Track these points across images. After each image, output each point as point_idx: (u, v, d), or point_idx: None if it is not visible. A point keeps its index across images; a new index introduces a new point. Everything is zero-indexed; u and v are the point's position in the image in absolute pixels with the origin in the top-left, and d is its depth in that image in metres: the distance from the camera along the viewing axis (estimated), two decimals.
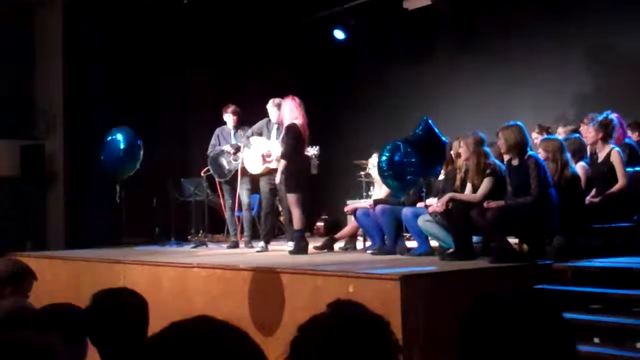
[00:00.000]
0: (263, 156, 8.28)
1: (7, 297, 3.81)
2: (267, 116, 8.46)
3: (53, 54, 10.89)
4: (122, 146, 7.48)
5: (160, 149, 10.51)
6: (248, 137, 8.51)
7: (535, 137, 7.73)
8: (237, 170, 8.67)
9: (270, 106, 8.29)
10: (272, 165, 8.16)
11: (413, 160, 6.54)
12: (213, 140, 8.97)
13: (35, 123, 11.00)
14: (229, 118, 8.90)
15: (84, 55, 10.72)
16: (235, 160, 8.71)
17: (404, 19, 11.29)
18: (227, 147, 8.74)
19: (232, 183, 8.80)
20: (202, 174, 9.40)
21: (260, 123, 8.52)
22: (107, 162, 7.59)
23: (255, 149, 8.39)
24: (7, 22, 10.76)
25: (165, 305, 5.68)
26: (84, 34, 10.74)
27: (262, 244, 8.18)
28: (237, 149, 8.67)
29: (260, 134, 8.44)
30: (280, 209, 9.01)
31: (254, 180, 8.63)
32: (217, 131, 9.02)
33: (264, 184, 8.34)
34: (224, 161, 8.78)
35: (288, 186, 7.70)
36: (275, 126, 8.33)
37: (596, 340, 4.87)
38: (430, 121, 6.94)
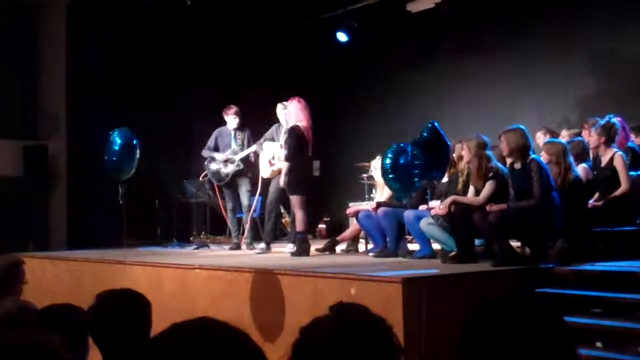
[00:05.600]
0: (269, 160, 8.32)
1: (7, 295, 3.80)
2: (271, 118, 8.50)
3: (56, 54, 10.91)
4: (117, 147, 7.53)
5: (163, 150, 10.52)
6: (261, 144, 8.56)
7: (539, 137, 7.77)
8: (235, 173, 8.70)
9: (280, 110, 8.34)
10: (276, 167, 8.21)
11: (418, 163, 6.53)
12: (210, 142, 8.97)
13: (39, 123, 11.02)
14: (232, 119, 8.90)
15: (87, 56, 10.73)
16: (232, 162, 8.73)
17: (407, 22, 11.29)
18: (218, 157, 8.75)
19: (232, 185, 8.82)
20: (200, 179, 9.41)
21: (271, 129, 8.58)
22: (107, 163, 7.65)
23: (265, 154, 8.43)
24: (11, 23, 10.78)
25: (167, 306, 5.68)
26: (88, 34, 10.75)
27: (263, 245, 8.19)
28: (227, 160, 8.71)
29: (272, 139, 8.48)
30: (283, 210, 9.02)
31: (254, 182, 8.65)
32: (216, 132, 9.02)
33: (272, 185, 8.35)
34: (220, 165, 8.77)
35: (291, 188, 7.71)
36: (283, 129, 8.36)
37: (598, 344, 4.86)
38: (436, 124, 6.94)
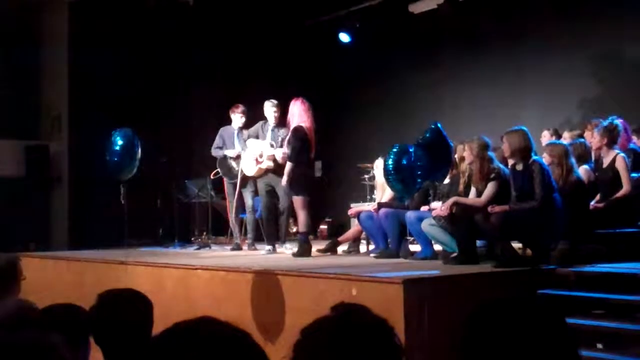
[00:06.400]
0: (255, 158, 8.29)
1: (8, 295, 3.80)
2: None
3: (58, 54, 10.91)
4: (118, 147, 7.55)
5: (165, 150, 10.51)
6: (245, 140, 8.54)
7: (545, 136, 7.78)
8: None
9: (268, 107, 8.32)
10: (263, 166, 8.18)
11: (420, 164, 6.52)
12: (218, 141, 8.97)
13: (40, 124, 11.02)
14: (238, 118, 8.89)
15: (89, 55, 10.74)
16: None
17: (409, 23, 11.29)
18: (230, 153, 8.76)
19: (236, 185, 8.81)
20: (212, 176, 9.38)
21: (256, 126, 8.54)
22: (108, 163, 7.66)
23: (249, 152, 8.39)
24: (13, 22, 10.78)
25: (168, 307, 5.67)
26: (90, 34, 10.76)
27: (269, 247, 8.19)
28: (238, 156, 8.70)
29: (257, 137, 8.44)
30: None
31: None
32: (221, 131, 9.03)
33: (261, 187, 8.35)
34: (232, 163, 8.79)
35: (293, 189, 7.71)
36: (270, 127, 8.34)
37: (599, 345, 4.85)
38: (439, 126, 6.93)
